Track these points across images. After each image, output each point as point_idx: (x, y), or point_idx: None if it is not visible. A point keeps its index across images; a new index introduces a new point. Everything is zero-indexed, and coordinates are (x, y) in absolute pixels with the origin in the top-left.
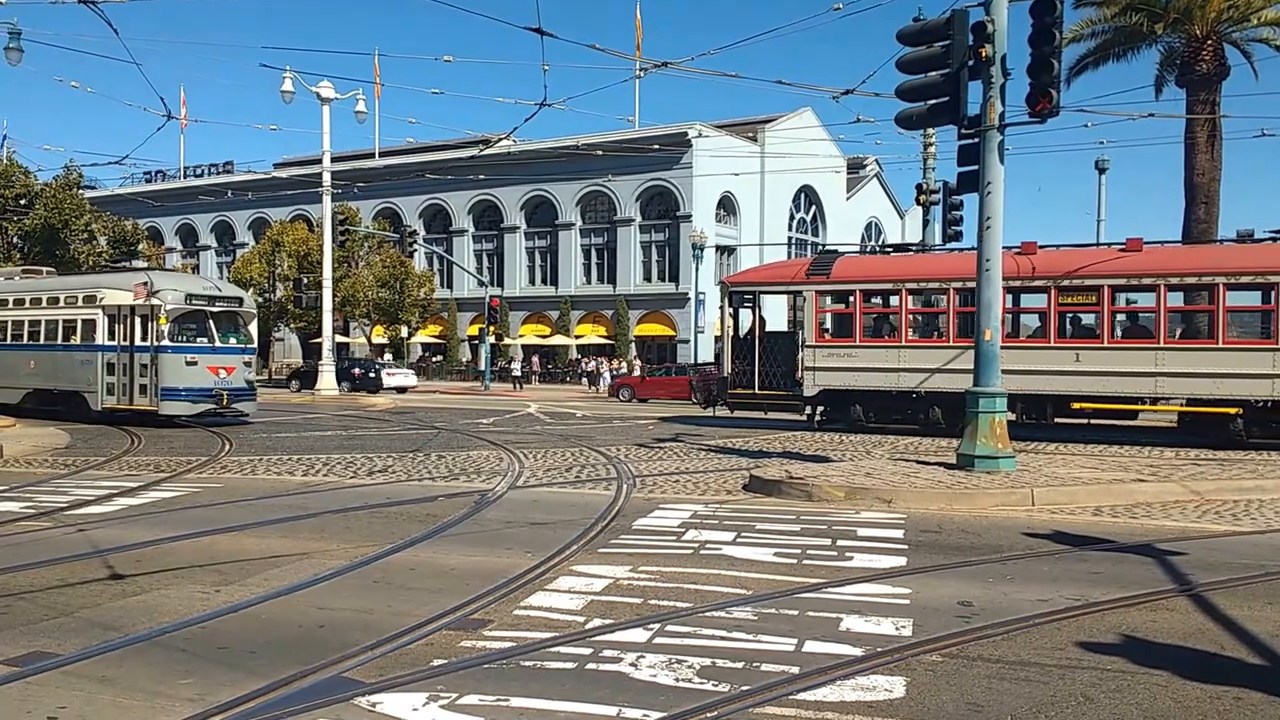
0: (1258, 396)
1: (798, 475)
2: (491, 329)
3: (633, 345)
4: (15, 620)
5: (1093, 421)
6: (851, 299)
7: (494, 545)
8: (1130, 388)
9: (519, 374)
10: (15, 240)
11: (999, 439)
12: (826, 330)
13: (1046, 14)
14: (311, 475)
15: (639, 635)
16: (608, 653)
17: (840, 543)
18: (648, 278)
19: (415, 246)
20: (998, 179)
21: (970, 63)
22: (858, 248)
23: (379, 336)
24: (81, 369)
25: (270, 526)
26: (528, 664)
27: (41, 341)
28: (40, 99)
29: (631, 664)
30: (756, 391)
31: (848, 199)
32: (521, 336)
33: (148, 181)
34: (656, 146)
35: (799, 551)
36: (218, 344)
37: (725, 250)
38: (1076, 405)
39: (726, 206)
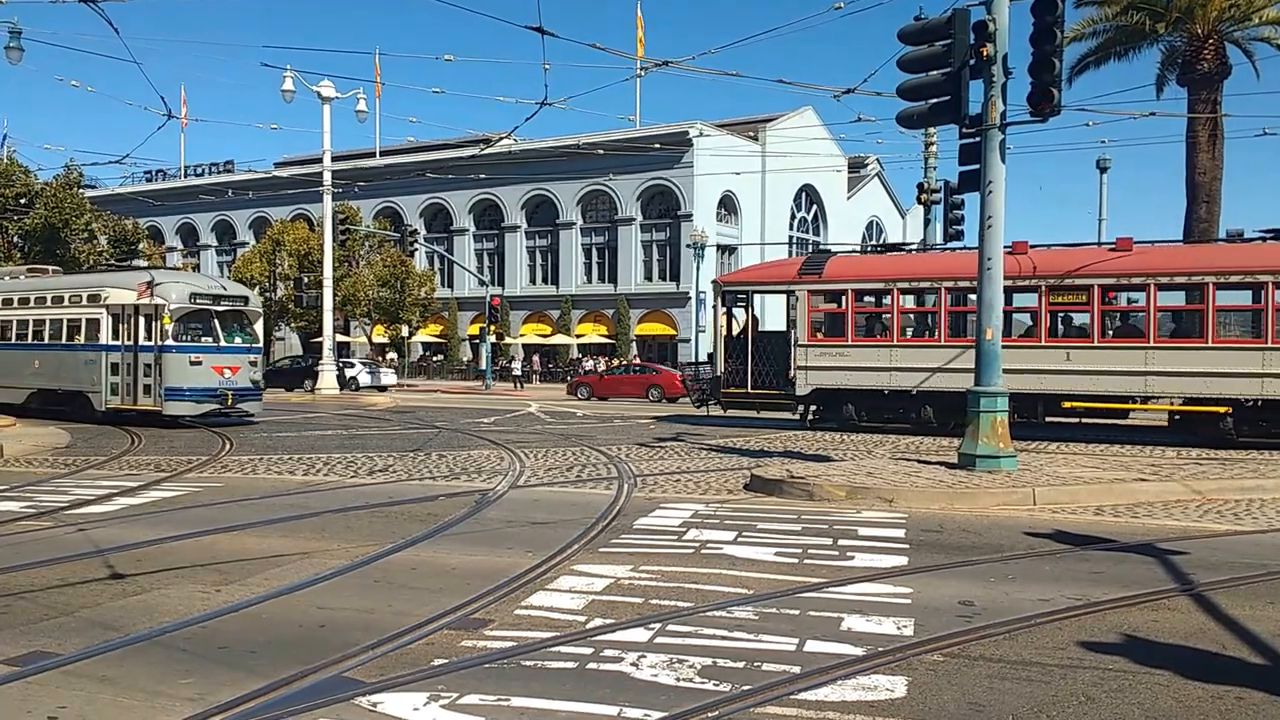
0: (1247, 395)
1: (799, 475)
2: (492, 328)
3: (633, 344)
4: (15, 620)
5: (1084, 421)
6: (844, 299)
7: (495, 545)
8: (1121, 387)
9: (520, 373)
10: (15, 240)
11: (1000, 438)
12: (819, 330)
13: (1048, 13)
14: (312, 474)
15: (640, 635)
16: (609, 652)
17: (841, 542)
18: (649, 277)
19: (416, 246)
20: (999, 178)
21: (971, 61)
22: (850, 247)
23: (380, 336)
24: (85, 369)
25: (271, 526)
26: (529, 664)
27: (46, 341)
28: (41, 98)
29: (632, 664)
30: (750, 391)
31: (849, 198)
32: (522, 336)
33: (148, 181)
34: (657, 146)
35: (800, 551)
36: (222, 343)
37: (726, 249)
38: (1068, 404)
39: (727, 206)
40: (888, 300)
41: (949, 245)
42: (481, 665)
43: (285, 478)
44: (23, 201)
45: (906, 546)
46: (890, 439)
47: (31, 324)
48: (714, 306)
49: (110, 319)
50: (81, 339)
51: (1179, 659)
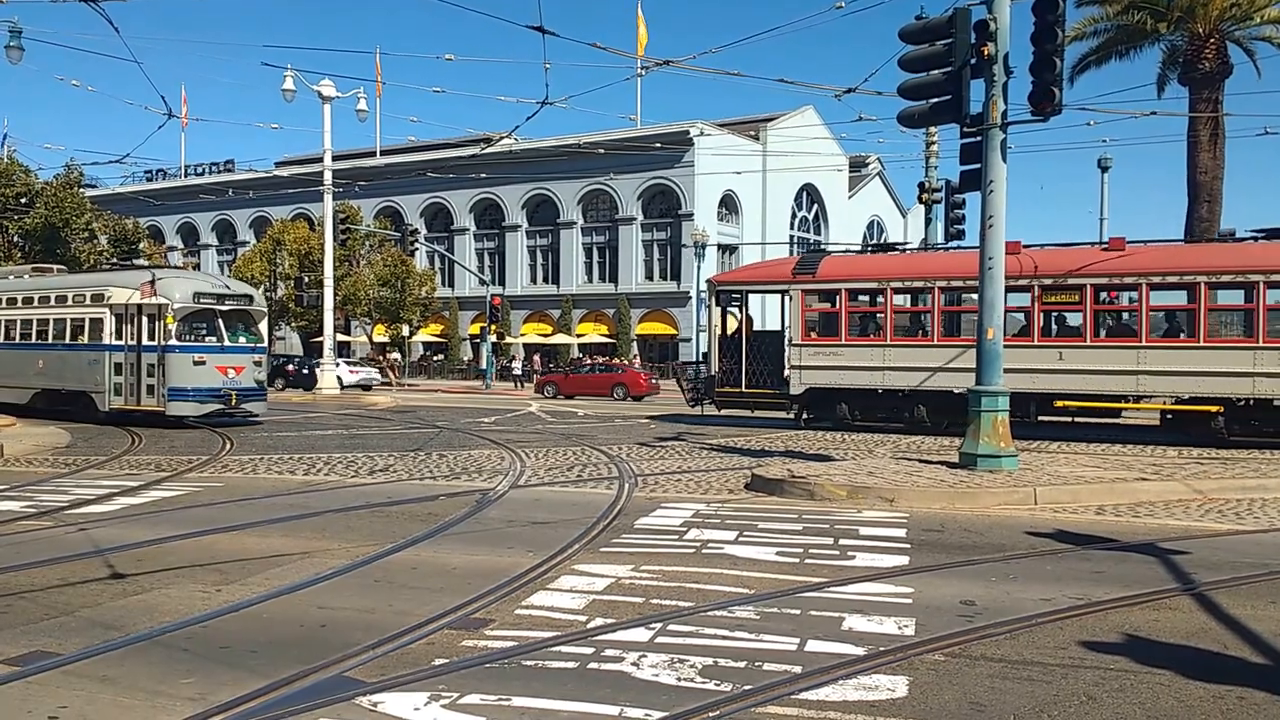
0: (1239, 395)
1: (800, 474)
2: (493, 328)
3: (634, 344)
4: (16, 619)
5: (1076, 420)
6: (837, 298)
7: (496, 544)
8: (1113, 386)
9: (520, 373)
10: (16, 239)
11: (1002, 438)
12: (813, 329)
13: (1049, 12)
14: (313, 474)
15: (641, 634)
16: (610, 652)
17: (843, 542)
18: (649, 276)
19: (417, 245)
20: (1000, 177)
21: (972, 61)
22: (844, 247)
23: (380, 335)
24: (89, 369)
25: (271, 526)
26: (529, 663)
27: (50, 341)
28: (41, 98)
29: (633, 663)
30: (744, 390)
31: (850, 197)
32: (523, 335)
33: (149, 180)
34: (658, 145)
35: (801, 550)
36: (226, 343)
37: (727, 249)
38: (1060, 404)
39: (728, 205)
40: (881, 300)
41: (948, 245)
42: (482, 665)
43: (286, 477)
44: (23, 201)
45: (908, 546)
46: (891, 439)
47: (35, 324)
48: (708, 306)
49: (114, 319)
50: (85, 339)
51: (1180, 659)
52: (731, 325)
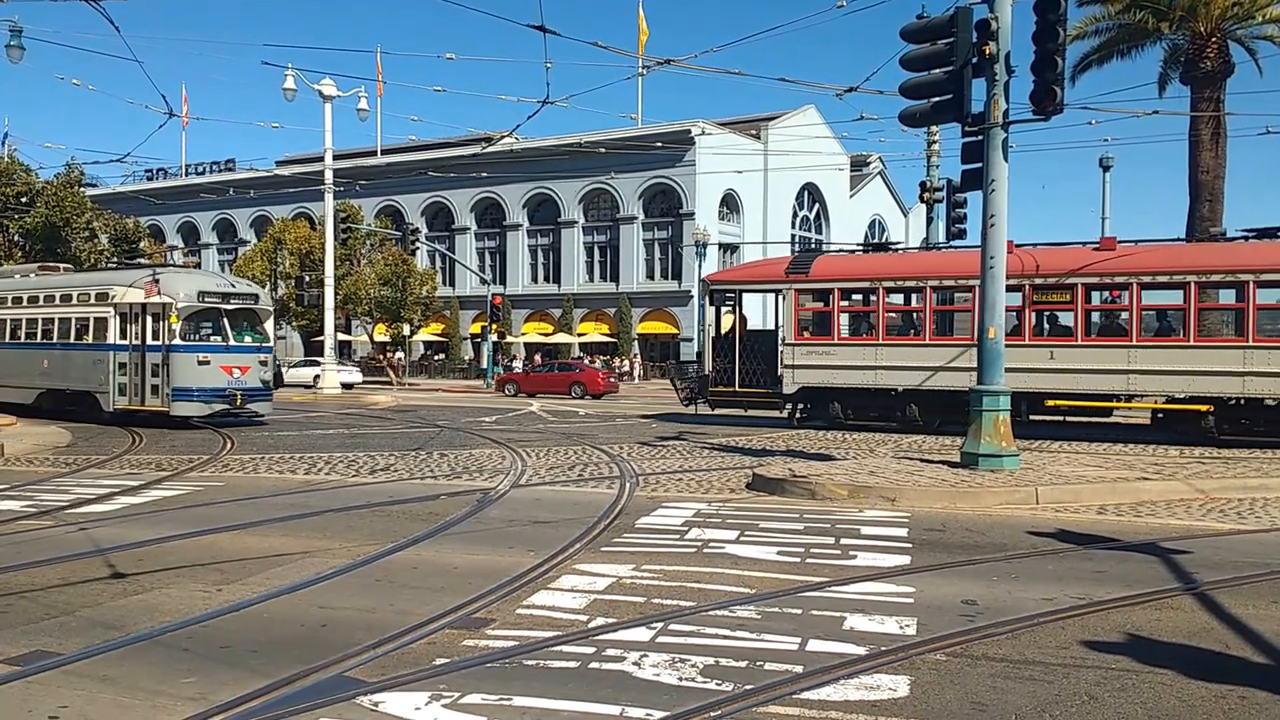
0: (1229, 394)
1: (801, 474)
2: (494, 327)
3: (635, 343)
4: (16, 619)
5: (1068, 419)
6: (830, 298)
7: (497, 544)
8: (1104, 385)
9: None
10: (16, 238)
11: (1003, 437)
12: (806, 329)
13: (1050, 11)
14: (313, 474)
15: (642, 634)
16: (611, 652)
17: (844, 541)
18: (650, 275)
19: (417, 244)
20: (1002, 176)
21: (974, 60)
22: (838, 247)
23: (381, 334)
24: (93, 369)
25: (272, 525)
26: (530, 663)
27: (54, 340)
28: (42, 97)
29: (635, 663)
30: (737, 389)
31: (851, 197)
32: (524, 334)
33: (149, 179)
34: (659, 144)
35: (802, 550)
36: (231, 342)
37: (728, 248)
38: (1051, 403)
39: (729, 204)
40: (874, 299)
41: (949, 244)
42: (483, 665)
43: (287, 477)
44: (24, 200)
45: (909, 545)
46: (893, 438)
47: (41, 323)
48: (702, 305)
49: (118, 318)
50: (89, 338)
51: (1182, 658)
52: (726, 324)
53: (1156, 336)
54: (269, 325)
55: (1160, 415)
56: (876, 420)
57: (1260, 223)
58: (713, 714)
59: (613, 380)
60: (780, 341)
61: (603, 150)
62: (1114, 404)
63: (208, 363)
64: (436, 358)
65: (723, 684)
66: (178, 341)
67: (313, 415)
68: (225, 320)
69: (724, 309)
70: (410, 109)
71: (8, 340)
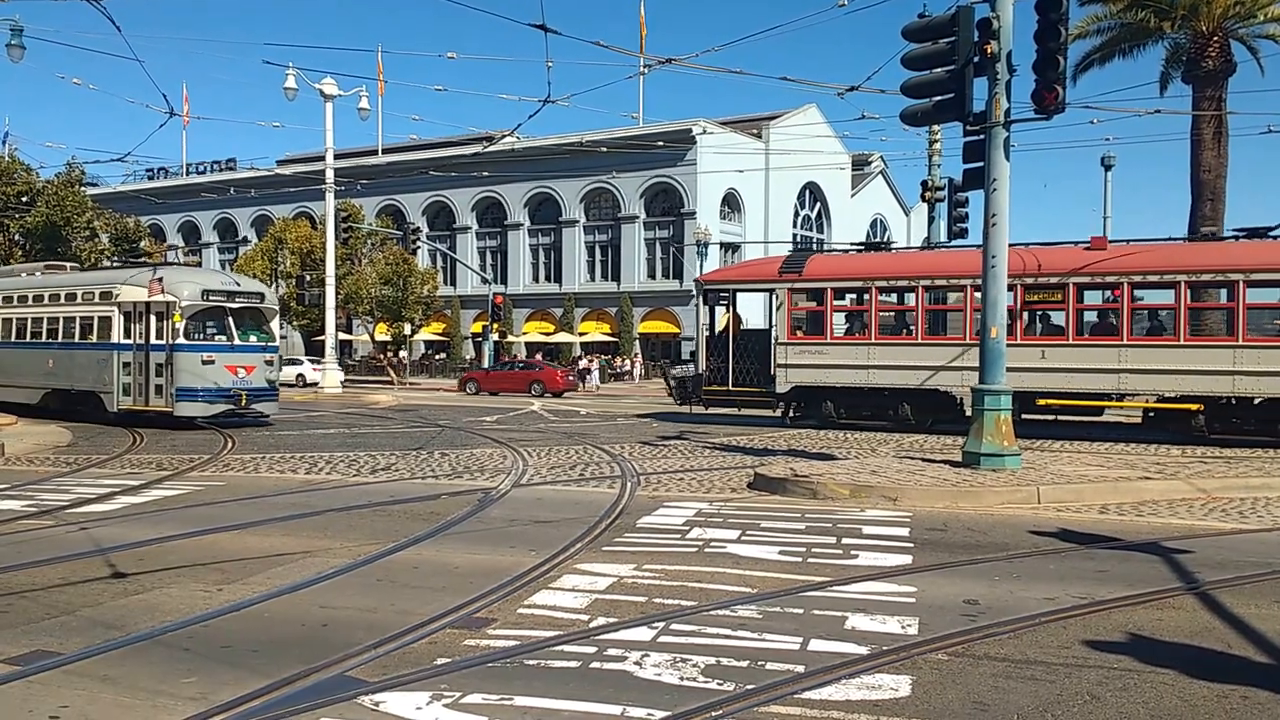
0: (1219, 393)
1: (802, 473)
2: (495, 326)
3: (636, 342)
4: (17, 619)
5: (1059, 418)
6: (823, 297)
7: (498, 543)
8: (1095, 384)
9: None
10: (17, 238)
11: (1005, 436)
12: (799, 328)
13: (1052, 10)
14: (314, 473)
15: (643, 634)
16: (612, 651)
17: (845, 541)
18: (652, 275)
19: (419, 244)
20: (1003, 175)
21: (976, 59)
22: (837, 247)
23: (382, 334)
24: (98, 368)
25: (273, 525)
26: (531, 663)
27: (59, 340)
28: (42, 96)
29: (636, 663)
30: (731, 388)
31: (852, 196)
32: (525, 334)
33: (150, 179)
34: (661, 143)
35: (804, 550)
36: (236, 342)
37: (729, 247)
38: (1042, 402)
39: (731, 203)
40: (867, 299)
41: (949, 244)
42: (484, 664)
43: (287, 476)
44: (24, 199)
45: (911, 545)
46: (894, 438)
47: (45, 322)
48: (696, 305)
49: (122, 317)
50: (94, 338)
51: (1184, 658)
52: (721, 324)
53: (1148, 336)
54: (274, 324)
55: (1151, 414)
56: (869, 419)
57: (1262, 222)
58: (714, 714)
59: (571, 379)
60: (774, 341)
61: (604, 149)
62: (1105, 403)
63: (212, 362)
64: (438, 357)
65: (724, 684)
66: (182, 341)
67: (313, 415)
68: (230, 319)
69: (718, 308)
70: (411, 108)
71: (14, 340)
